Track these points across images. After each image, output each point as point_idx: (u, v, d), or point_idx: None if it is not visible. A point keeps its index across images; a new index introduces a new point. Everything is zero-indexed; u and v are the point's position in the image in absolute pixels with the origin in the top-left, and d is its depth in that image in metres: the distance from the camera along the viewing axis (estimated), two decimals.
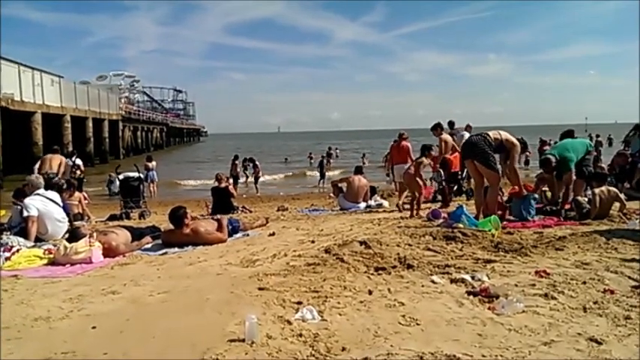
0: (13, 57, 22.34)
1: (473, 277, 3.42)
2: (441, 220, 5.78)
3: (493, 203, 5.77)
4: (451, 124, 11.45)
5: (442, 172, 8.94)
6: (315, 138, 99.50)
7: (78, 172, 12.08)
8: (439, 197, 8.87)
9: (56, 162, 10.23)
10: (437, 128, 9.21)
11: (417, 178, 7.28)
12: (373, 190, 9.76)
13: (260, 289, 3.34)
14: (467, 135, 9.73)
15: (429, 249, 4.36)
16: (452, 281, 3.38)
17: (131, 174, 9.89)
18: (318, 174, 19.33)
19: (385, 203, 9.36)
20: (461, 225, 5.12)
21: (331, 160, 20.40)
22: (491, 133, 5.89)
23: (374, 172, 20.93)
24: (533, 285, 3.27)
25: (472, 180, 6.89)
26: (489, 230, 4.90)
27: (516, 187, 6.04)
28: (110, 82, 49.54)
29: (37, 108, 22.78)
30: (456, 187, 9.48)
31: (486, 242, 4.52)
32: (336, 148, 30.47)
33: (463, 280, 3.36)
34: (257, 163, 18.30)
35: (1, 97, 19.46)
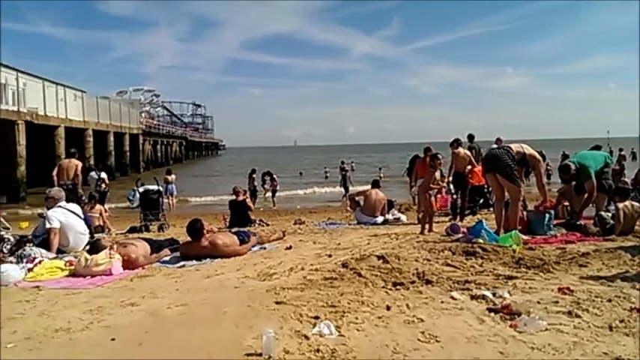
0: (37, 72, 23.16)
1: (494, 294, 3.36)
2: (460, 235, 5.71)
3: (514, 218, 5.68)
4: (470, 137, 11.37)
5: (453, 187, 8.87)
6: (332, 151, 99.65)
7: (103, 185, 12.34)
8: (455, 210, 8.78)
9: (72, 169, 9.95)
10: (453, 144, 9.16)
11: (426, 194, 7.17)
12: (391, 204, 9.71)
13: (277, 302, 3.34)
14: None
15: (448, 264, 4.31)
16: (472, 298, 3.33)
17: (151, 187, 10.06)
18: (342, 189, 19.40)
19: (403, 217, 9.30)
20: (481, 240, 5.05)
21: (348, 174, 20.35)
22: (513, 147, 5.84)
23: (391, 185, 20.84)
24: (557, 302, 3.20)
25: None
26: (510, 246, 4.82)
27: (547, 203, 5.98)
28: (130, 97, 50.73)
29: (61, 122, 23.37)
30: (482, 201, 9.39)
31: (507, 258, 4.44)
32: (352, 162, 30.45)
33: (484, 297, 3.30)
34: (274, 176, 18.40)
35: (26, 112, 20.05)
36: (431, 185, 7.16)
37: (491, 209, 8.92)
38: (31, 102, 20.88)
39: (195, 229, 5.33)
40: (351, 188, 18.42)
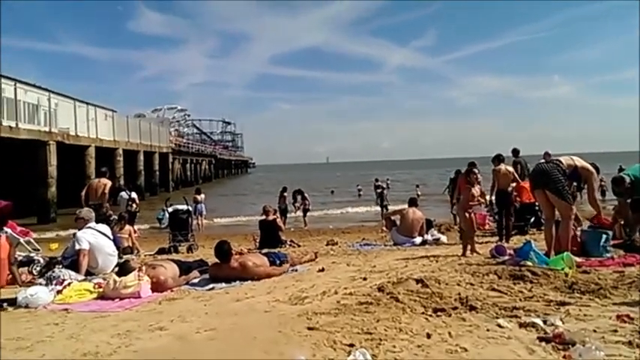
0: (69, 92, 24.30)
1: (545, 322, 3.25)
2: (506, 257, 5.57)
3: (566, 238, 5.49)
4: (515, 152, 11.17)
5: (496, 206, 8.69)
6: (365, 168, 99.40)
7: (134, 205, 12.71)
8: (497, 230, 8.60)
9: (100, 188, 9.98)
10: (495, 160, 9.00)
11: (466, 212, 7.02)
12: (429, 224, 9.60)
13: (309, 328, 3.33)
14: None
15: (493, 289, 4.20)
16: (521, 325, 3.23)
17: (180, 207, 10.29)
18: (379, 207, 19.31)
19: (443, 238, 9.16)
20: (529, 263, 4.92)
21: (385, 192, 20.23)
22: (563, 160, 5.67)
23: (429, 204, 20.57)
24: (615, 331, 3.06)
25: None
26: (562, 269, 4.67)
27: (602, 217, 5.78)
28: (164, 114, 52.75)
29: (91, 142, 24.36)
30: (533, 219, 9.17)
31: (559, 282, 4.30)
32: (387, 179, 30.31)
33: (534, 325, 3.20)
34: (306, 195, 18.47)
35: (57, 132, 21.01)
36: (469, 202, 7.02)
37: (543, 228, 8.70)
38: (63, 122, 21.92)
39: (223, 250, 5.41)
40: (390, 207, 18.23)
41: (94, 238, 6.10)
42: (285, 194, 17.65)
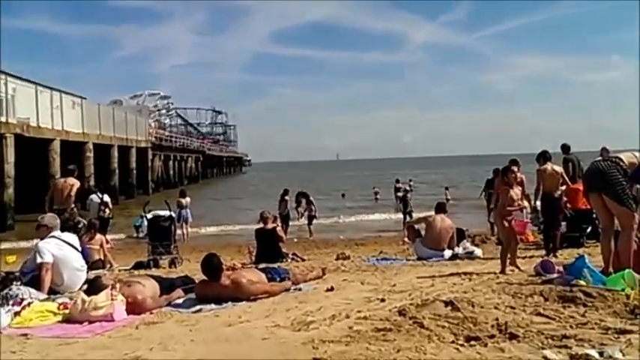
0: (30, 76, 24.54)
1: (601, 353, 3.24)
2: (554, 275, 5.56)
3: (627, 252, 5.45)
4: (565, 148, 11.11)
5: (542, 213, 8.66)
6: (383, 166, 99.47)
7: (107, 210, 12.77)
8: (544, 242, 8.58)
9: (67, 189, 10.27)
10: (540, 158, 8.96)
11: (505, 220, 6.96)
12: (461, 234, 9.60)
13: (316, 359, 3.33)
14: None
15: (539, 314, 4.19)
16: (572, 358, 3.22)
17: (161, 212, 10.33)
18: (402, 215, 19.31)
19: (478, 251, 9.16)
20: (583, 282, 4.90)
21: (408, 195, 20.19)
22: (624, 157, 5.63)
23: (461, 210, 20.55)
24: None
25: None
26: (622, 290, 4.64)
27: None
28: (144, 101, 52.92)
29: (56, 134, 24.57)
30: (589, 229, 9.12)
31: (618, 306, 4.28)
32: (410, 180, 30.35)
33: (588, 357, 3.19)
34: (312, 199, 18.49)
35: (15, 123, 21.14)
36: (507, 208, 6.95)
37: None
38: (22, 111, 22.06)
39: (212, 266, 5.42)
40: (415, 215, 18.17)
41: (59, 249, 6.13)
42: (287, 198, 17.67)
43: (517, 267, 6.67)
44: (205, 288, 5.44)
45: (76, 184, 10.48)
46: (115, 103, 52.59)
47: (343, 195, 35.81)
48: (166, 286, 5.55)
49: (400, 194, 20.79)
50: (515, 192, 7.11)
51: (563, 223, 9.30)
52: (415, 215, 17.19)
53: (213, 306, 5.12)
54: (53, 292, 5.82)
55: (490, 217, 10.16)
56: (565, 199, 9.39)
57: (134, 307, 4.97)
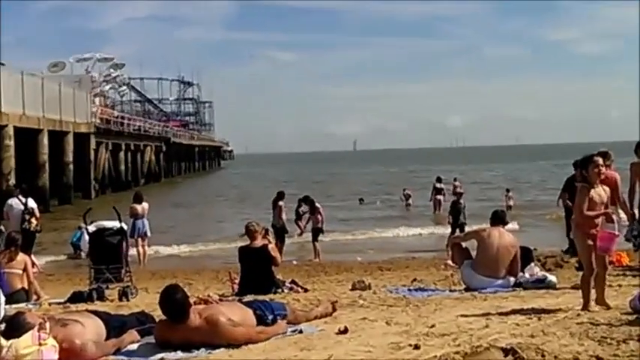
0: None
1: None
2: None
3: None
4: None
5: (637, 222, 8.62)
6: (417, 159, 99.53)
7: (33, 220, 12.79)
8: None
9: None
10: (638, 150, 8.92)
11: (585, 234, 6.82)
12: (528, 256, 9.53)
13: None
14: None
15: None
16: None
17: (108, 224, 10.30)
18: (447, 228, 19.30)
19: (551, 278, 9.11)
20: None
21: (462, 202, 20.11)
22: None
23: (529, 222, 20.49)
24: None
25: None
26: None
27: None
28: (72, 71, 52.39)
29: None
30: None
31: None
32: (455, 180, 30.31)
33: None
34: (317, 205, 18.40)
35: None
36: (587, 213, 6.77)
37: None
38: None
39: (176, 305, 5.36)
40: (467, 228, 18.05)
41: None
42: (282, 204, 17.63)
43: (604, 303, 6.60)
44: (169, 330, 5.41)
45: None
46: (56, 66, 52.14)
47: (361, 200, 35.91)
48: (115, 326, 5.54)
49: (440, 197, 20.73)
50: (599, 193, 6.88)
51: None
52: (466, 229, 17.10)
53: (180, 354, 5.11)
54: None
55: (571, 233, 10.05)
56: None
57: (70, 355, 4.95)
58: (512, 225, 18.29)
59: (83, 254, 15.78)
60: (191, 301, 5.74)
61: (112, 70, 60.28)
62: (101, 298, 9.21)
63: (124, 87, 71.07)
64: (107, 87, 58.57)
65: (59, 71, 50.90)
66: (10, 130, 28.19)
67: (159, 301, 5.56)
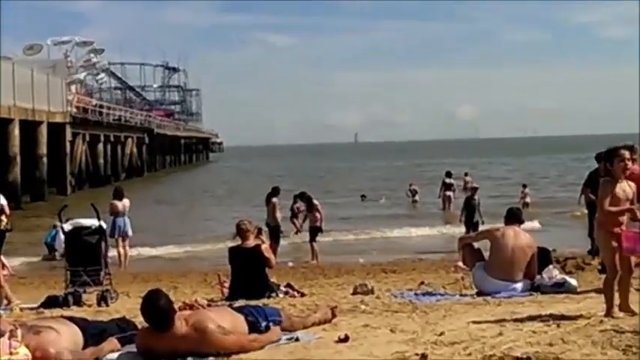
0: None
1: None
2: None
3: None
4: None
5: None
6: (425, 152, 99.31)
7: (3, 218, 12.79)
8: None
9: None
10: None
11: (609, 233, 6.83)
12: (546, 257, 9.56)
13: None
14: None
15: None
16: None
17: (86, 222, 10.32)
18: (461, 228, 19.30)
19: (571, 282, 9.13)
20: None
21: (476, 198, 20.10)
22: None
23: (548, 220, 20.48)
24: None
25: None
26: None
27: None
28: (49, 55, 52.26)
29: None
30: None
31: None
32: (466, 175, 30.27)
33: None
34: (315, 202, 18.41)
35: None
36: (607, 207, 6.76)
37: None
38: None
39: (159, 312, 5.37)
40: (481, 227, 18.03)
41: None
42: (276, 200, 17.63)
43: (629, 309, 6.63)
44: (152, 338, 5.42)
45: None
46: (32, 49, 51.90)
47: (364, 197, 35.93)
48: (93, 333, 5.55)
49: (450, 193, 20.69)
50: (624, 188, 6.86)
51: None
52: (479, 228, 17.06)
53: None
54: None
55: (594, 232, 10.06)
56: None
57: None
58: (533, 224, 18.47)
59: (58, 255, 15.89)
60: (176, 306, 5.76)
61: (91, 55, 59.94)
62: (78, 302, 9.23)
63: (103, 74, 70.64)
64: (84, 73, 58.21)
65: (35, 54, 50.72)
66: None
67: (141, 307, 5.57)
